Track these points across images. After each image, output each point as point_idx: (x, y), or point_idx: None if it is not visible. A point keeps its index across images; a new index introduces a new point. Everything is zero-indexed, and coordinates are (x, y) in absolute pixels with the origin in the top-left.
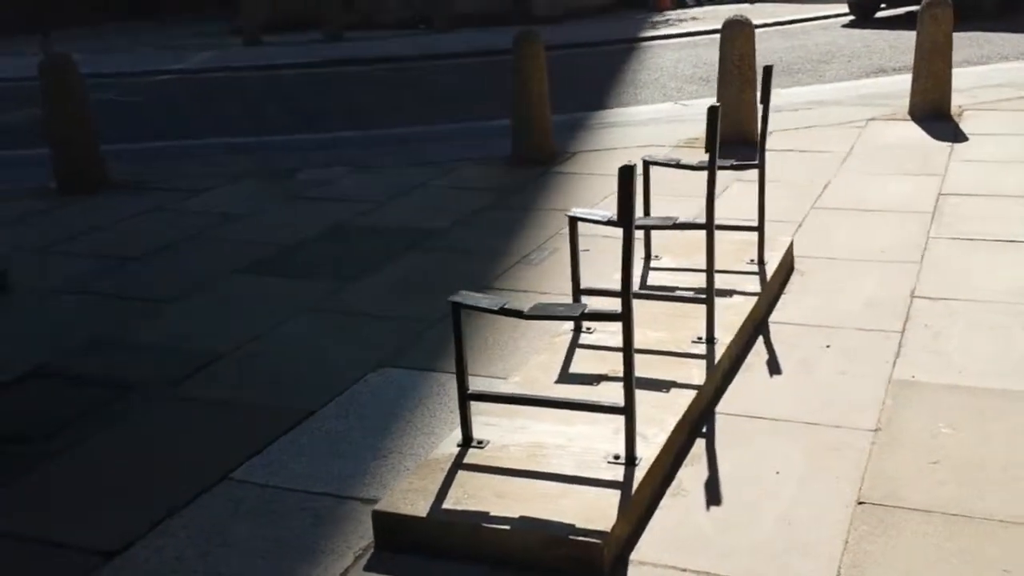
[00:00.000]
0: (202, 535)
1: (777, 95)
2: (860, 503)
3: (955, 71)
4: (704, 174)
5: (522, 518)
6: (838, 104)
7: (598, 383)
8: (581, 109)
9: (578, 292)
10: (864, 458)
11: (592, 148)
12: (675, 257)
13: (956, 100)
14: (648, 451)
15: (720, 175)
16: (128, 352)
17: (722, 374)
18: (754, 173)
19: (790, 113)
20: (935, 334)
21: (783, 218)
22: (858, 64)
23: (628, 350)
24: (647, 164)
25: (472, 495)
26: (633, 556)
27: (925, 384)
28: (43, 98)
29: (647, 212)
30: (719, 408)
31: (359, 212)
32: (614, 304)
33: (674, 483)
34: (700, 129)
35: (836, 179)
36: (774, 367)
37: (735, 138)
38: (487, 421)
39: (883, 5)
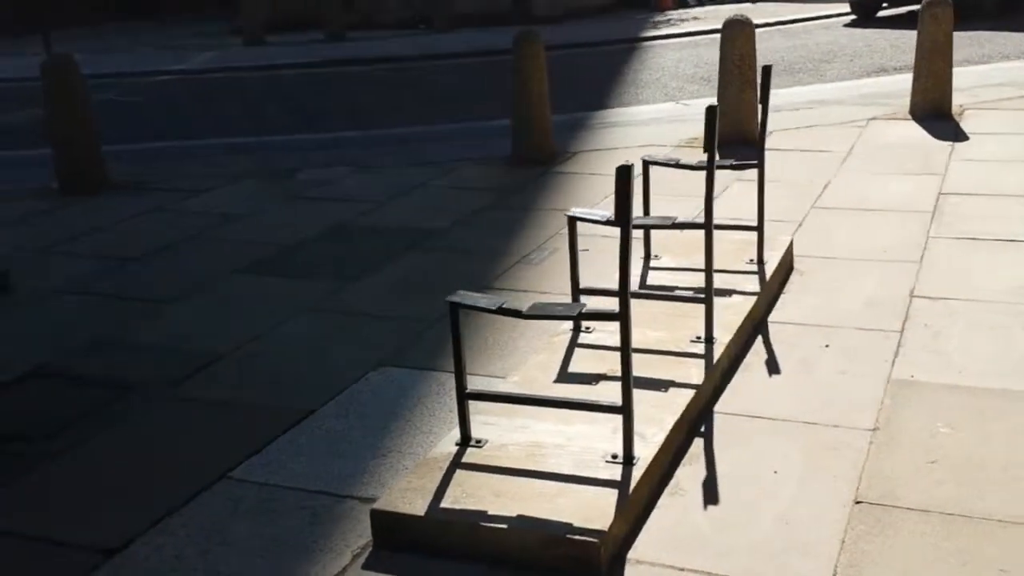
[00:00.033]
0: (201, 533)
1: (778, 94)
2: (858, 503)
3: (956, 70)
4: (704, 174)
5: (520, 517)
6: (839, 103)
7: (597, 382)
8: (582, 109)
9: (577, 292)
10: (862, 458)
11: (593, 148)
12: (675, 257)
13: (957, 99)
14: (646, 450)
15: (721, 175)
16: (128, 352)
17: (721, 374)
18: (755, 173)
19: (791, 112)
20: (935, 334)
21: (783, 218)
22: (859, 63)
23: (626, 350)
24: (646, 164)
25: (470, 494)
26: (630, 555)
27: (924, 384)
28: (45, 98)
29: (647, 212)
30: (718, 407)
31: (359, 212)
32: (613, 304)
33: (672, 482)
34: (701, 129)
35: (836, 179)
36: (773, 367)
37: (736, 138)
38: (486, 420)
39: (885, 4)
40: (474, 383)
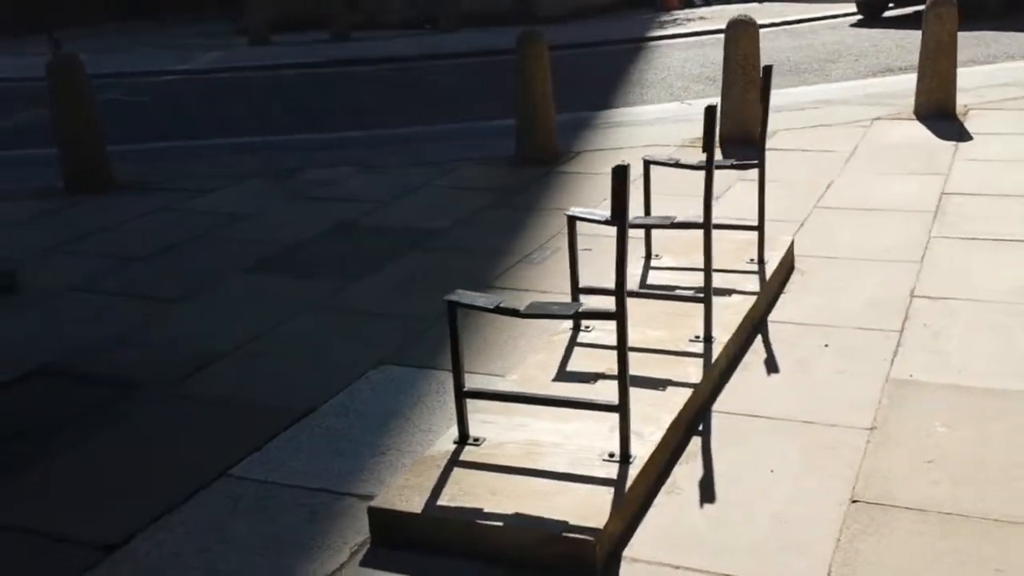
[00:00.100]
0: (201, 531)
1: (784, 94)
2: (854, 502)
3: (960, 70)
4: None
5: (516, 515)
6: (844, 103)
7: (595, 381)
8: (586, 109)
9: (577, 291)
10: (859, 457)
11: (596, 148)
12: (675, 256)
13: (961, 99)
14: (643, 449)
15: (724, 175)
16: (134, 351)
17: (719, 373)
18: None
19: (796, 112)
20: (934, 333)
21: (785, 217)
22: (865, 63)
23: (622, 349)
24: (647, 164)
25: (467, 492)
26: (626, 553)
27: (923, 383)
28: (51, 98)
29: (647, 211)
30: (716, 407)
31: (363, 212)
32: (612, 303)
33: (669, 481)
34: None
35: (840, 178)
36: (772, 366)
37: (739, 138)
38: (484, 419)
39: (891, 4)
40: (473, 381)
